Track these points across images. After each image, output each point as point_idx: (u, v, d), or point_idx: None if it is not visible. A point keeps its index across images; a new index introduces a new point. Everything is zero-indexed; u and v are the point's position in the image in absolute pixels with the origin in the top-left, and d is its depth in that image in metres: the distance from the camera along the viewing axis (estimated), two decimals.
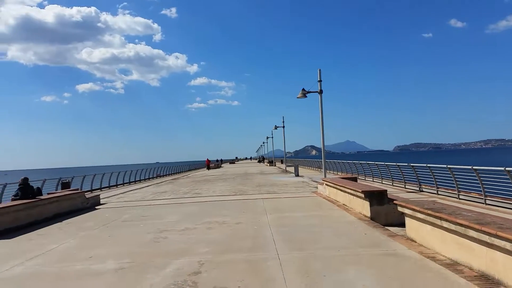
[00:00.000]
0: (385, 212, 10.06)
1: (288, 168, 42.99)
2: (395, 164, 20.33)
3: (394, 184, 20.65)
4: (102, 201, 18.50)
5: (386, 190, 10.19)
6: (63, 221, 12.24)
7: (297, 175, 30.93)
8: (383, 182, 22.07)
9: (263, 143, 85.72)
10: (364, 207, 10.52)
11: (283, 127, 40.71)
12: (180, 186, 26.02)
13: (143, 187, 26.97)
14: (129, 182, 34.17)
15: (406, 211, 7.48)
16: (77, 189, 18.44)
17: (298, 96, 19.58)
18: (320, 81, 19.15)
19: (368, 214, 10.15)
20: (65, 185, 23.46)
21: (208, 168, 60.10)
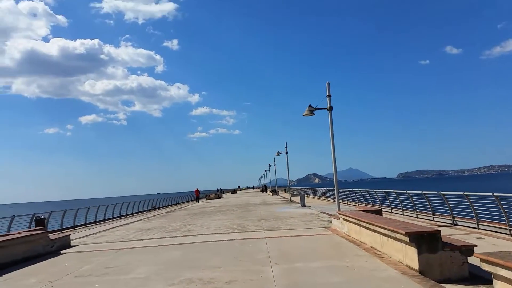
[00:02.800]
0: (439, 263, 7.08)
1: (292, 198, 39.82)
2: (420, 192, 17.30)
3: (418, 216, 17.55)
4: (75, 241, 15.50)
5: (439, 231, 7.22)
6: (1, 276, 9.23)
7: (304, 206, 27.82)
8: (404, 213, 18.87)
9: (266, 171, 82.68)
10: (407, 254, 7.52)
11: (286, 153, 37.95)
12: (172, 220, 22.93)
13: (130, 223, 23.87)
14: (119, 216, 31.09)
15: (502, 271, 4.52)
16: (41, 229, 15.43)
17: (304, 114, 16.86)
18: (329, 96, 16.50)
19: (416, 266, 7.15)
20: (39, 223, 20.42)
21: (198, 200, 51.46)
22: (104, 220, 28.23)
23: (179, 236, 14.72)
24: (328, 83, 16.65)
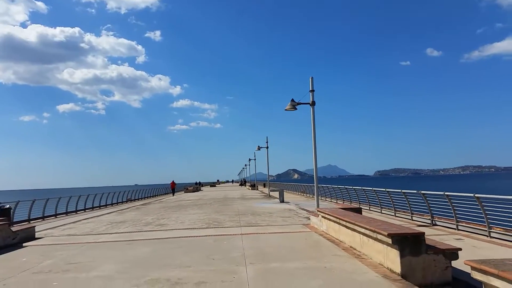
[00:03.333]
0: (422, 266, 6.72)
1: (271, 193, 39.47)
2: (399, 191, 17.16)
3: (397, 215, 17.41)
4: (41, 233, 14.67)
5: (423, 233, 6.86)
6: None
7: (282, 201, 27.47)
8: (383, 211, 18.78)
9: (245, 165, 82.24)
10: (388, 256, 7.14)
11: (267, 147, 37.51)
12: (146, 213, 22.17)
13: (102, 215, 22.99)
14: (92, 208, 30.05)
15: (496, 282, 4.13)
16: (4, 219, 14.47)
17: (286, 108, 16.40)
18: (312, 91, 16.07)
19: (398, 269, 6.77)
20: (3, 213, 19.31)
21: (173, 193, 50.81)
22: (76, 211, 27.20)
23: (151, 231, 14.06)
24: (312, 78, 16.21)
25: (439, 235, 11.55)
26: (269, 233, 12.34)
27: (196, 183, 78.82)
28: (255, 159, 59.25)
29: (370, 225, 7.92)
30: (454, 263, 6.79)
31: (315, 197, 16.01)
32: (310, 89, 16.08)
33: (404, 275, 6.66)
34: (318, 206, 15.67)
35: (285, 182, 70.79)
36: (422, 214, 15.89)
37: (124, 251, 10.05)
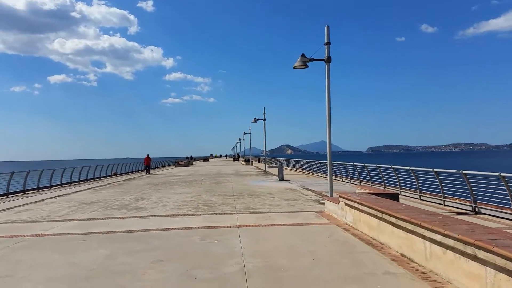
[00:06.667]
0: None
1: (268, 169, 36.47)
2: (452, 171, 13.19)
3: (422, 198, 14.37)
4: None
5: None
6: None
7: (282, 179, 24.47)
8: (422, 198, 14.22)
9: (240, 139, 79.21)
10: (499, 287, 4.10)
11: (264, 119, 34.18)
12: (125, 191, 19.04)
13: (75, 192, 19.84)
14: (70, 183, 26.85)
15: None
16: None
17: (295, 66, 13.01)
18: (328, 43, 12.69)
19: None
20: None
21: (148, 170, 38.59)
22: (50, 187, 24.04)
23: (120, 218, 10.93)
24: (328, 27, 12.79)
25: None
26: (274, 225, 9.27)
27: (186, 157, 75.70)
28: (250, 133, 56.06)
29: (450, 230, 4.84)
30: None
31: (329, 177, 12.90)
32: (326, 41, 12.70)
33: None
34: (331, 188, 12.63)
35: (278, 157, 67.95)
36: (457, 198, 12.95)
37: (70, 254, 6.91)
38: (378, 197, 8.53)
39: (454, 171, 12.44)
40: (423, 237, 5.62)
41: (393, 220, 6.47)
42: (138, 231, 8.87)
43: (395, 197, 9.16)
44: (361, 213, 8.13)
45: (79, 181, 28.38)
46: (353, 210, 8.64)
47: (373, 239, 7.43)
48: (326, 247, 6.96)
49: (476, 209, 11.63)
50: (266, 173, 33.02)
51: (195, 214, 11.17)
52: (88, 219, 10.88)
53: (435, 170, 13.33)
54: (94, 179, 31.02)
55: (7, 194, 19.77)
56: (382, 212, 6.90)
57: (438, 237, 5.13)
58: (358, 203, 8.15)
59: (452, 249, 4.89)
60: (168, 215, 11.10)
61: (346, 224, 9.04)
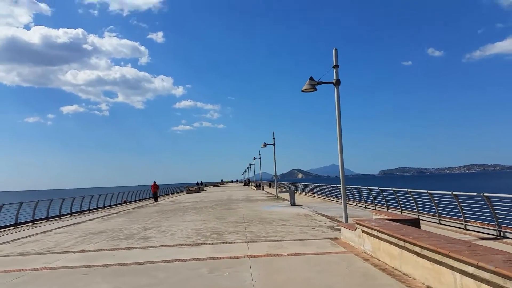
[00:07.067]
0: None
1: (280, 194, 35.83)
2: (473, 194, 12.37)
3: (442, 222, 13.69)
4: None
5: None
6: None
7: (294, 204, 23.86)
8: (442, 222, 13.40)
9: (250, 164, 78.82)
10: None
11: (274, 144, 33.87)
12: (133, 220, 18.66)
13: (83, 221, 19.53)
14: (80, 211, 26.61)
15: None
16: None
17: (303, 89, 12.75)
18: (337, 66, 12.46)
19: None
20: None
21: (155, 198, 36.67)
22: (60, 216, 23.79)
23: (127, 248, 10.51)
24: (335, 50, 12.59)
25: None
26: (288, 254, 8.75)
27: (197, 183, 75.34)
28: (260, 158, 55.57)
29: (492, 264, 4.33)
30: None
31: (343, 201, 12.37)
32: (334, 64, 12.47)
33: None
34: (346, 213, 12.10)
35: (289, 181, 67.16)
36: (479, 221, 12.26)
37: None
38: (398, 224, 8.00)
39: (475, 193, 11.83)
40: (452, 268, 5.10)
41: (417, 249, 5.95)
42: (144, 263, 8.43)
43: (415, 223, 8.62)
44: (381, 241, 7.60)
45: (88, 210, 28.11)
46: (372, 238, 8.11)
47: (396, 269, 6.88)
48: (345, 279, 6.43)
49: (501, 233, 10.97)
50: (277, 198, 32.41)
51: (204, 244, 10.70)
52: (94, 250, 10.49)
53: (454, 193, 12.71)
54: (104, 207, 30.75)
55: (16, 225, 19.55)
56: (404, 241, 6.39)
57: (470, 269, 4.62)
58: (377, 230, 7.63)
59: (488, 282, 4.37)
60: (176, 245, 10.65)
61: (365, 252, 8.49)
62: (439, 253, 5.27)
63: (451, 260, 5.03)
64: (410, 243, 6.19)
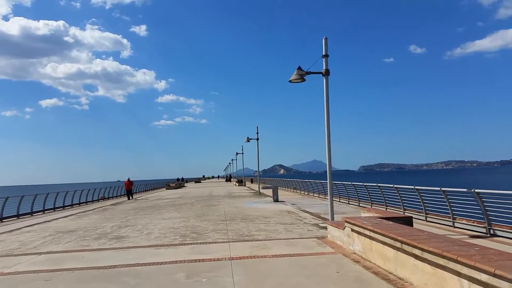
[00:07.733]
0: None
1: (262, 190, 35.25)
2: (448, 190, 12.19)
3: (428, 219, 13.35)
4: None
5: None
6: None
7: (277, 200, 23.31)
8: (428, 219, 13.12)
9: (232, 160, 78.06)
10: None
11: (257, 139, 33.19)
12: (108, 217, 17.70)
13: (55, 219, 18.45)
14: (54, 208, 25.40)
15: None
16: None
17: (291, 79, 12.13)
18: (326, 56, 11.91)
19: None
20: None
21: (129, 195, 33.62)
22: (31, 213, 22.58)
23: (98, 250, 9.67)
24: (325, 39, 12.04)
25: None
26: (272, 256, 8.10)
27: (178, 179, 74.11)
28: (242, 153, 54.93)
29: None
30: None
31: (329, 199, 11.82)
32: (323, 53, 11.90)
33: None
34: (332, 210, 11.57)
35: (271, 177, 66.76)
36: (467, 218, 11.93)
37: None
38: (392, 223, 7.46)
39: (465, 190, 11.46)
40: (458, 274, 4.55)
41: (417, 252, 5.39)
42: (114, 267, 7.64)
43: (408, 221, 8.10)
44: (373, 242, 7.04)
45: (63, 207, 26.88)
46: (363, 237, 7.54)
47: (390, 273, 6.32)
48: (337, 285, 5.82)
49: (491, 231, 10.62)
50: (259, 194, 31.81)
51: (182, 244, 9.96)
52: (61, 252, 9.62)
53: (443, 189, 12.32)
54: (79, 204, 29.49)
55: None
56: (402, 242, 5.82)
57: (484, 277, 4.06)
58: (370, 230, 7.06)
59: None
60: (151, 246, 9.87)
61: (355, 253, 7.93)
62: (445, 257, 4.71)
63: (459, 265, 4.47)
64: (408, 244, 5.62)
